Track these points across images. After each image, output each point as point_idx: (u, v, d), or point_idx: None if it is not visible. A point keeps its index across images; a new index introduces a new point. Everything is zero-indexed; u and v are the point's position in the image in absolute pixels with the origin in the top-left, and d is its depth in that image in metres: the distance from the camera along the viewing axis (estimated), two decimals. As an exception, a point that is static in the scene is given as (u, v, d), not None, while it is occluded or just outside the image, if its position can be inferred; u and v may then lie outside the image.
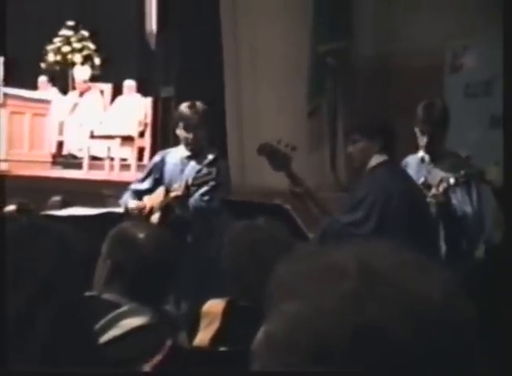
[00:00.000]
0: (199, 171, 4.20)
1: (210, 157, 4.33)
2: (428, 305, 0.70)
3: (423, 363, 0.68)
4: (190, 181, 4.06)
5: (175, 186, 4.09)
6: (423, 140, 3.78)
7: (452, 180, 3.54)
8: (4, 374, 1.23)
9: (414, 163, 3.84)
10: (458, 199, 3.65)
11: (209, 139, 4.40)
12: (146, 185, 4.40)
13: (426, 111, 3.77)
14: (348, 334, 0.67)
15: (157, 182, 4.37)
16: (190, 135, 4.28)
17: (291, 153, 3.60)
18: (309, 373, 0.68)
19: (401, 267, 0.73)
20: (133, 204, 4.29)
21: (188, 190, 4.05)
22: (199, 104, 4.37)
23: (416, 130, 3.80)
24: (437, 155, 3.79)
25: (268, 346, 0.70)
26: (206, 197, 4.19)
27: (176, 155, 4.41)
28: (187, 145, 4.34)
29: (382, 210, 3.24)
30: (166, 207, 4.17)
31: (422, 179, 3.71)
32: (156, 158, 4.57)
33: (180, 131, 4.33)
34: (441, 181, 3.57)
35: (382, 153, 3.40)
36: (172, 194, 4.09)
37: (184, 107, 4.36)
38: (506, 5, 3.39)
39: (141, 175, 4.61)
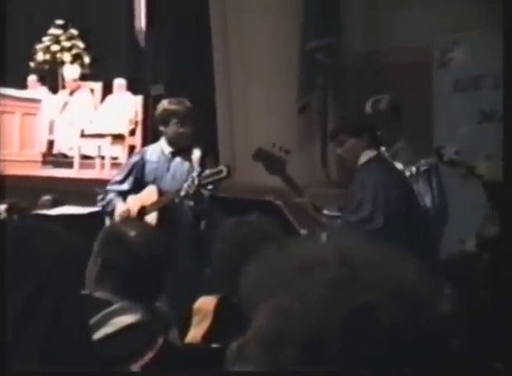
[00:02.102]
0: (203, 170, 4.02)
1: (198, 152, 4.28)
2: (406, 289, 0.72)
3: (410, 341, 0.70)
4: (196, 180, 3.91)
5: (185, 185, 3.96)
6: None
7: (413, 169, 3.62)
8: (4, 374, 1.23)
9: None
10: (420, 190, 3.71)
11: (195, 135, 4.33)
12: (126, 186, 4.32)
13: (372, 107, 3.87)
14: (337, 321, 0.69)
15: (138, 182, 4.29)
16: (184, 130, 4.23)
17: (285, 156, 3.65)
18: (308, 373, 0.69)
19: (376, 255, 0.75)
20: (122, 207, 4.22)
21: (199, 189, 3.96)
22: (184, 99, 4.34)
23: None
24: (394, 148, 3.87)
25: (262, 343, 0.71)
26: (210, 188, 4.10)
27: (157, 153, 4.34)
28: (176, 141, 4.27)
29: (385, 203, 3.31)
30: (163, 209, 4.11)
31: None
32: (135, 158, 4.50)
33: (172, 128, 4.25)
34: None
35: (371, 149, 3.47)
36: (182, 193, 3.97)
37: (171, 103, 4.31)
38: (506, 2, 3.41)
39: (118, 175, 4.46)
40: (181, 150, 4.30)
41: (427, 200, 3.74)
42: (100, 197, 4.40)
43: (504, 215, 2.96)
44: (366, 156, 3.45)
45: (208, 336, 2.43)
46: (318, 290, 0.70)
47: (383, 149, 3.87)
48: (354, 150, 3.45)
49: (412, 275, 0.73)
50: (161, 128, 4.33)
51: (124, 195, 4.31)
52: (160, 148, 4.36)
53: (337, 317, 0.69)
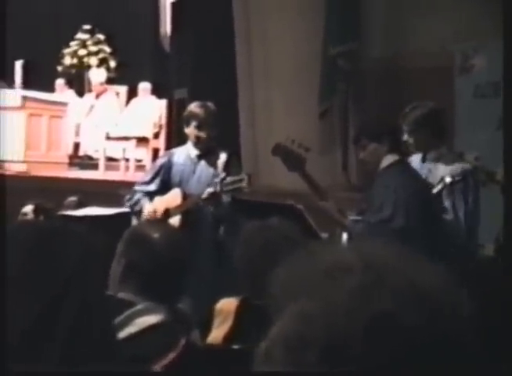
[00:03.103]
0: (225, 177, 4.07)
1: (224, 155, 4.35)
2: (429, 294, 0.73)
3: (433, 346, 0.71)
4: (218, 187, 3.98)
5: (207, 191, 4.03)
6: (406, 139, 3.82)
7: (448, 179, 3.57)
8: (4, 374, 1.25)
9: (416, 162, 3.84)
10: (454, 200, 3.65)
11: (219, 138, 4.39)
12: (153, 186, 4.37)
13: (408, 112, 3.81)
14: (361, 327, 0.70)
15: (165, 184, 4.35)
16: (203, 134, 4.29)
17: (305, 154, 3.64)
18: (310, 373, 0.70)
19: (400, 261, 0.77)
20: (150, 208, 4.28)
21: (220, 196, 4.02)
22: (209, 104, 4.40)
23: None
24: (436, 154, 3.81)
25: (285, 347, 0.72)
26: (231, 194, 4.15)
27: (183, 155, 4.40)
28: (198, 144, 4.33)
29: (405, 207, 3.31)
30: (186, 212, 4.17)
31: None
32: (163, 159, 4.55)
33: (191, 130, 4.32)
34: (441, 180, 3.60)
35: (393, 153, 3.46)
36: (204, 196, 4.04)
37: (195, 106, 4.37)
38: (506, 6, 3.41)
39: (146, 176, 4.55)
40: (206, 153, 4.36)
41: (461, 213, 3.64)
42: (128, 197, 4.46)
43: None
44: (388, 160, 3.45)
45: (229, 337, 2.46)
46: (342, 295, 0.71)
47: (420, 154, 3.81)
48: (375, 154, 3.45)
49: (435, 281, 0.74)
50: (186, 130, 4.40)
51: (150, 196, 4.36)
52: (187, 151, 4.41)
53: (360, 323, 0.70)
